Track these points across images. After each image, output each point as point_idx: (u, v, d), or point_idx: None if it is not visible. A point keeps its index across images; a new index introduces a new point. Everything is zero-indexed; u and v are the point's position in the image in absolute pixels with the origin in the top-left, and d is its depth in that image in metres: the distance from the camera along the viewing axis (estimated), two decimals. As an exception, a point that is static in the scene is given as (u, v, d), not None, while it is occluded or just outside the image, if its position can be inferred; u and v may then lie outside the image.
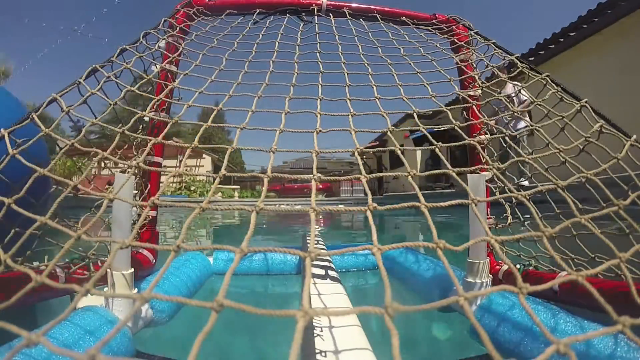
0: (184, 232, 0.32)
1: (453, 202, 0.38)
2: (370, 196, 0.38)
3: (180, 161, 13.65)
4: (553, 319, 0.56)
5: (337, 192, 14.80)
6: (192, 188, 11.71)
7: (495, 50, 0.86)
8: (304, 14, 1.06)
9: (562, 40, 5.03)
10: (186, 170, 12.98)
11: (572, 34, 4.87)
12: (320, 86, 0.66)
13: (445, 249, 0.30)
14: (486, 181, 0.79)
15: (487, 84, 0.81)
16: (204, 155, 14.43)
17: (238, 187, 13.94)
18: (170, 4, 1.02)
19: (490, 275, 0.76)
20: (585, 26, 4.65)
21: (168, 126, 0.61)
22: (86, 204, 0.76)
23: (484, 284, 0.73)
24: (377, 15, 1.07)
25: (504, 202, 0.88)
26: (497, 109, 0.95)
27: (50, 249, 0.69)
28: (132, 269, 0.64)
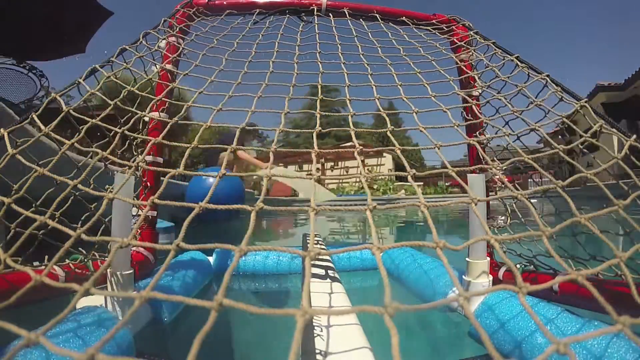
0: (183, 231, 0.32)
1: (453, 201, 0.38)
2: (369, 195, 0.38)
3: (362, 161, 14.00)
4: (553, 318, 0.56)
5: (524, 186, 13.73)
6: (375, 186, 11.94)
7: (495, 50, 0.86)
8: (303, 14, 1.06)
9: None
10: (368, 170, 13.17)
11: None
12: (320, 86, 0.66)
13: (445, 249, 0.30)
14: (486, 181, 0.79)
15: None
16: (384, 155, 14.60)
17: (421, 183, 13.48)
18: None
19: (490, 275, 0.76)
20: None
21: (168, 126, 0.61)
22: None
23: (484, 283, 0.73)
24: (377, 15, 1.07)
25: (504, 202, 0.88)
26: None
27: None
28: (132, 269, 0.64)
